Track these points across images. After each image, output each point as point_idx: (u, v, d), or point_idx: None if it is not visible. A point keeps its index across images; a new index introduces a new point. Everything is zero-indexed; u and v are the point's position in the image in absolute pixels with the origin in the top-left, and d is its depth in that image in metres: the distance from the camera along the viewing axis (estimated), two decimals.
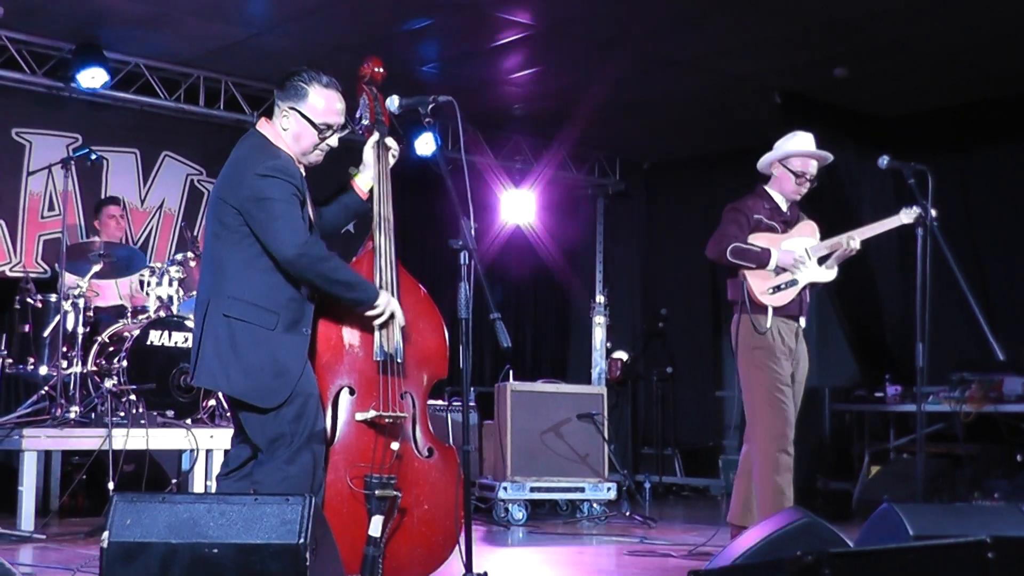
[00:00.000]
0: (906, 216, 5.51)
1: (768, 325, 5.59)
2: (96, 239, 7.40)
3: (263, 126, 4.13)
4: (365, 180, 4.38)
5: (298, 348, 4.00)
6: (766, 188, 5.87)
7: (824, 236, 5.80)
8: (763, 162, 5.86)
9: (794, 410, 5.68)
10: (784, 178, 5.79)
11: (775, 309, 5.62)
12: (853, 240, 5.62)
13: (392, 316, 4.17)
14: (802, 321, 5.75)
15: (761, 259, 5.62)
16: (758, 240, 5.68)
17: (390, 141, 4.43)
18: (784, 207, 5.83)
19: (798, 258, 5.65)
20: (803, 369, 5.79)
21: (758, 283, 5.63)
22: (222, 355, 3.92)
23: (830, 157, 5.84)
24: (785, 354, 5.63)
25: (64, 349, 6.82)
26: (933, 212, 5.42)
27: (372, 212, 4.36)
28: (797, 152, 5.76)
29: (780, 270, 5.65)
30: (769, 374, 5.59)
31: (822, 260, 5.72)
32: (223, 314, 3.92)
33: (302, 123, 4.07)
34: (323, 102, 4.08)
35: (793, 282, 5.65)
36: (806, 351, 5.82)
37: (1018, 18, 7.54)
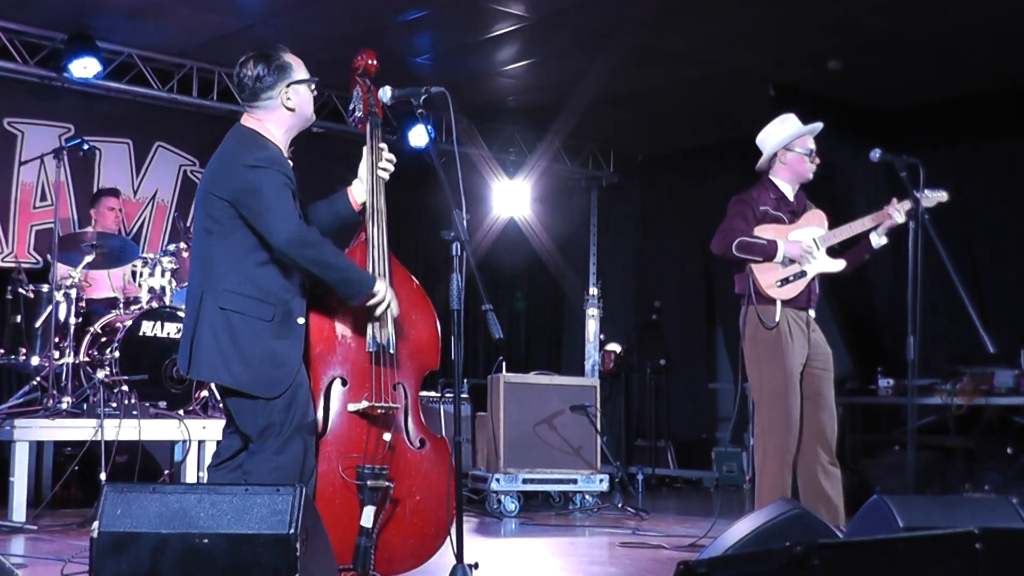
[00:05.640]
0: (899, 216, 5.50)
1: (777, 319, 5.51)
2: (89, 229, 7.40)
3: (248, 120, 4.13)
4: (360, 192, 4.36)
5: (295, 339, 4.01)
6: (771, 178, 5.75)
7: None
8: (765, 157, 5.77)
9: (821, 401, 5.60)
10: (796, 160, 5.67)
11: (783, 301, 5.56)
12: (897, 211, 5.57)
13: (389, 305, 4.16)
14: (812, 312, 5.68)
15: (768, 252, 5.53)
16: (765, 232, 5.60)
17: (383, 168, 4.39)
18: (791, 196, 5.74)
19: (806, 248, 5.59)
20: (823, 355, 5.66)
21: (765, 276, 5.55)
22: (222, 348, 3.91)
23: (820, 125, 5.79)
24: (794, 347, 5.54)
25: (56, 340, 6.82)
26: (935, 195, 5.43)
27: (365, 203, 4.35)
28: (798, 133, 5.70)
29: (788, 262, 5.58)
30: (775, 370, 5.52)
31: (831, 250, 5.69)
32: (220, 307, 3.92)
33: (303, 91, 4.12)
34: (297, 60, 4.16)
35: (802, 274, 5.58)
36: (823, 338, 5.71)
37: (1011, 13, 7.55)
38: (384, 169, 4.37)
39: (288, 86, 4.08)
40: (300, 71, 4.14)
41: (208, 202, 3.98)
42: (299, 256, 3.93)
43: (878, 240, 5.67)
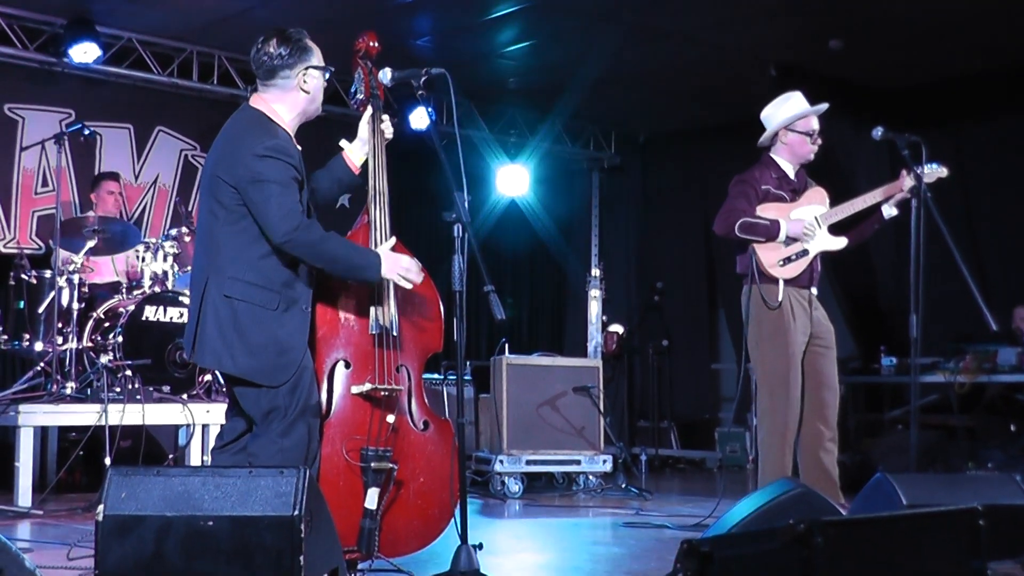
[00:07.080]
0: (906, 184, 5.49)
1: (780, 298, 5.52)
2: (90, 214, 7.39)
3: (257, 102, 4.09)
4: (358, 154, 4.35)
5: (300, 326, 3.98)
6: (772, 156, 5.76)
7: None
8: (767, 135, 5.77)
9: (823, 379, 5.61)
10: (797, 142, 5.69)
11: (786, 281, 5.56)
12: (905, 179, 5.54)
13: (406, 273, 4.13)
14: (814, 290, 5.69)
15: (770, 232, 5.54)
16: (767, 211, 5.60)
17: (384, 126, 4.39)
18: (792, 175, 5.74)
19: (808, 227, 5.58)
20: (826, 334, 5.67)
21: (768, 255, 5.56)
22: (225, 335, 3.89)
23: (825, 106, 5.78)
24: (796, 327, 5.54)
25: (59, 325, 6.82)
26: (934, 170, 5.42)
27: (367, 186, 4.34)
28: (801, 114, 5.70)
29: (790, 240, 5.59)
30: (777, 350, 5.53)
31: (832, 228, 5.69)
32: (224, 295, 3.89)
33: (318, 77, 4.10)
34: (316, 48, 4.13)
35: (804, 252, 5.59)
36: (825, 316, 5.71)
37: None
38: (383, 125, 4.35)
39: (306, 69, 4.07)
40: (319, 58, 4.12)
41: (215, 185, 3.94)
42: (298, 253, 3.91)
43: (889, 211, 5.66)
